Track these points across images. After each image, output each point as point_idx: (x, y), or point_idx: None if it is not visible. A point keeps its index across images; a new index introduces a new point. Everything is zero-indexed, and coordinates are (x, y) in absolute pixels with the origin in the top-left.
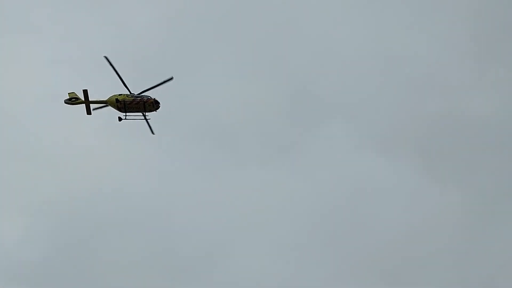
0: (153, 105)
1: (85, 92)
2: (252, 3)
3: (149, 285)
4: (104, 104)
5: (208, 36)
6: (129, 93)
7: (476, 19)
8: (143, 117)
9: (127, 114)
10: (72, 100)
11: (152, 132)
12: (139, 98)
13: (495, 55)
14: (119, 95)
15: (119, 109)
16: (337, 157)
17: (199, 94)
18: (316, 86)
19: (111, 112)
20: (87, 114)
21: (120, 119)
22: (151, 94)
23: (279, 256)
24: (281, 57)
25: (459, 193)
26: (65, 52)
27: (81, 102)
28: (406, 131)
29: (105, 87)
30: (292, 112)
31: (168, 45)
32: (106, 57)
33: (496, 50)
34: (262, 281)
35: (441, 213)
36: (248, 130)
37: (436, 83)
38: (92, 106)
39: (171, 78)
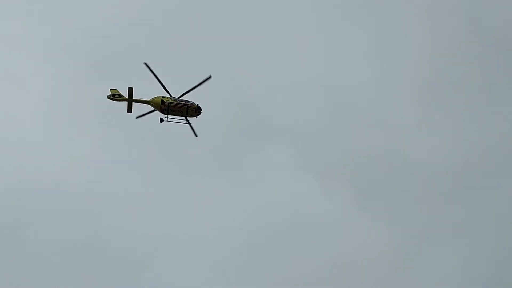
0: (196, 110)
1: (130, 90)
2: (209, 19)
3: (71, 281)
4: (152, 110)
5: (162, 44)
6: (171, 96)
7: (426, 65)
8: (184, 121)
9: (169, 116)
10: (116, 96)
11: (196, 135)
12: (183, 102)
13: (440, 101)
14: (163, 97)
15: (162, 111)
16: (276, 178)
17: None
18: (267, 108)
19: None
20: (128, 111)
21: (161, 120)
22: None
23: (205, 268)
24: (235, 74)
25: (388, 230)
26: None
27: (124, 100)
28: (346, 163)
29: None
30: (239, 130)
31: (121, 44)
32: (146, 64)
33: (441, 97)
34: None
35: (369, 247)
36: (195, 141)
37: (381, 121)
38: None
39: (209, 77)
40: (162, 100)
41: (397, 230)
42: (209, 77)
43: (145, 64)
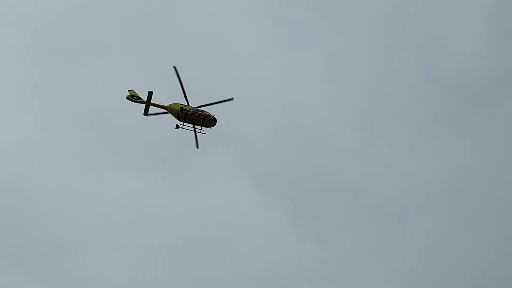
0: (211, 121)
1: (150, 93)
2: (170, 16)
3: None
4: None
5: (115, 30)
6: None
7: (375, 95)
8: (199, 130)
9: (184, 123)
10: (134, 97)
11: (197, 147)
12: (200, 112)
13: (383, 131)
14: (180, 104)
15: (179, 117)
16: (217, 183)
17: (100, 88)
18: (217, 115)
19: None
20: (144, 114)
21: (177, 126)
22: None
23: (129, 262)
24: (189, 77)
25: (317, 246)
26: None
27: (142, 102)
28: (287, 177)
29: None
30: (187, 131)
31: (73, 23)
32: (175, 67)
33: (385, 127)
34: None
35: (296, 259)
36: (142, 137)
37: (326, 142)
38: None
39: (231, 99)
40: (181, 108)
41: (325, 247)
42: (175, 68)
43: (174, 68)
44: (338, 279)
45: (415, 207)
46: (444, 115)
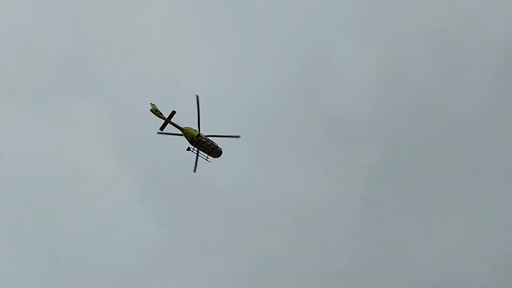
0: (218, 153)
1: (173, 113)
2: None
3: None
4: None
5: None
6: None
7: (255, 108)
8: (205, 157)
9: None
10: (157, 112)
11: (194, 171)
12: (211, 142)
13: (253, 142)
14: (196, 130)
15: (191, 141)
16: (77, 133)
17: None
18: (107, 64)
19: None
20: (160, 129)
21: (188, 149)
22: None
23: None
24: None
25: (157, 226)
26: None
27: (163, 118)
28: (149, 155)
29: None
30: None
31: None
32: (197, 96)
33: (256, 139)
34: None
35: (135, 232)
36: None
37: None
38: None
39: (238, 136)
40: (199, 134)
41: (167, 230)
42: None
43: (197, 96)
44: (170, 261)
45: (263, 215)
46: (315, 142)
